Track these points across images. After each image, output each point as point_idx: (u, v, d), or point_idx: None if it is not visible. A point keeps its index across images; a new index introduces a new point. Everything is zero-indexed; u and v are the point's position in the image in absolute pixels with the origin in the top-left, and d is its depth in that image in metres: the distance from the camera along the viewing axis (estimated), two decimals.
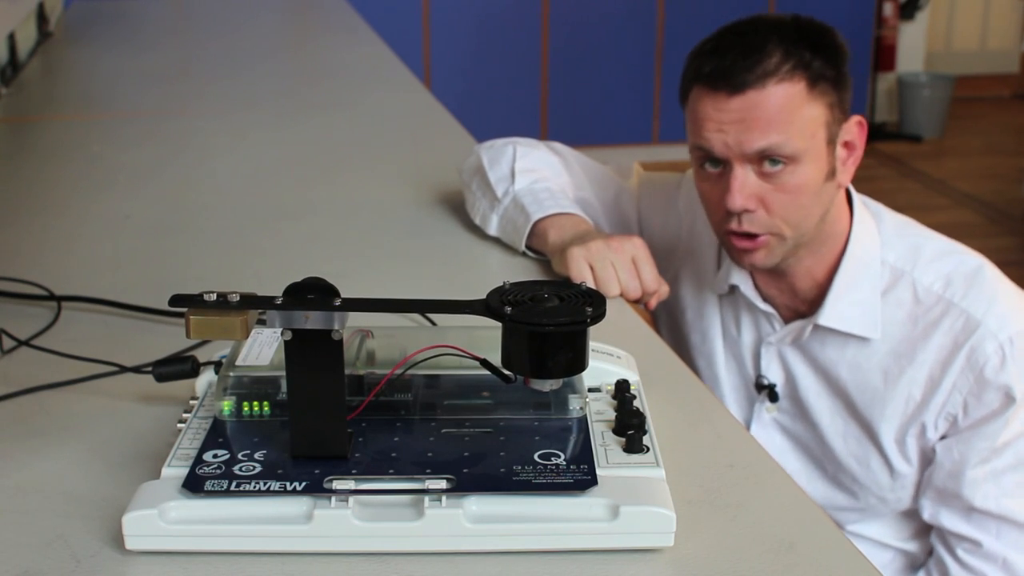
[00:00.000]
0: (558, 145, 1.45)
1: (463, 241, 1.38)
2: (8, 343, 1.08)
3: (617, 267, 1.17)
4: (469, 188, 1.39)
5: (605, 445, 0.80)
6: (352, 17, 3.14)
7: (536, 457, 0.78)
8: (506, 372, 0.80)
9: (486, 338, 0.83)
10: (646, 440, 0.81)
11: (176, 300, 0.77)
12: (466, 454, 0.78)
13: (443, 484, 0.74)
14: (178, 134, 1.96)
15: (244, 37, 2.91)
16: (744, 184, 1.17)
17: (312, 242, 1.41)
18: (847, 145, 1.22)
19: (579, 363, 0.77)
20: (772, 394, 1.33)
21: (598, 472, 0.76)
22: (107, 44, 2.80)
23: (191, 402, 0.87)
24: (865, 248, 1.25)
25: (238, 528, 0.73)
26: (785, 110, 1.16)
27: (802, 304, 1.29)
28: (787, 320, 1.31)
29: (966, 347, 1.20)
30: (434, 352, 0.84)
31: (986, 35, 6.56)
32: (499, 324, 0.77)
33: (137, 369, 1.00)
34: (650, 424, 0.83)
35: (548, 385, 0.78)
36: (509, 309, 0.76)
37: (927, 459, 1.26)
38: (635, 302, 1.19)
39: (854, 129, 1.23)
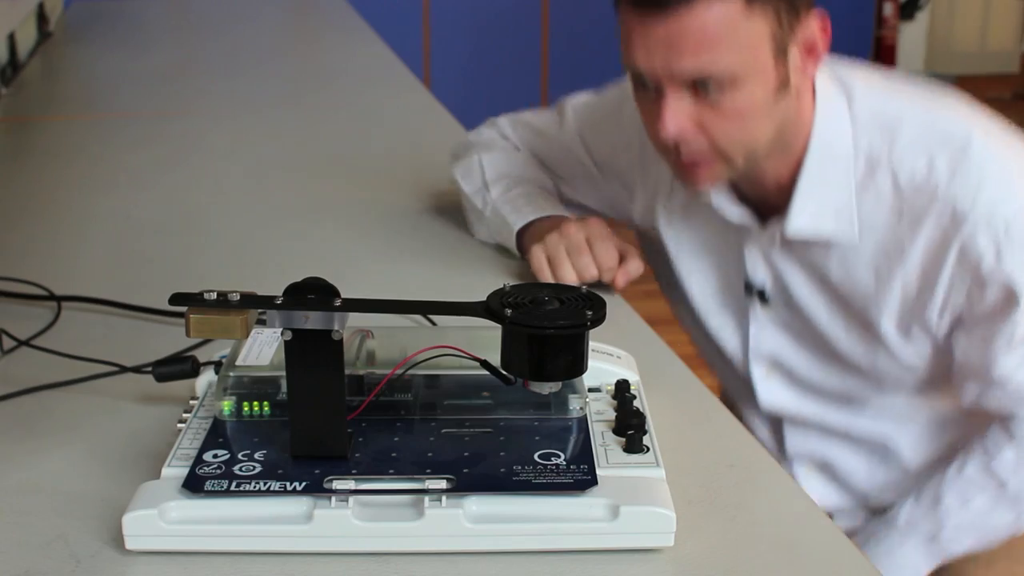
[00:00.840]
0: (506, 127, 1.43)
1: (463, 241, 1.38)
2: (8, 343, 1.08)
3: (571, 252, 1.16)
4: (462, 198, 1.41)
5: (605, 445, 0.80)
6: (352, 17, 3.13)
7: (536, 457, 0.78)
8: (506, 374, 0.80)
9: (486, 338, 0.83)
10: (646, 440, 0.81)
11: (176, 299, 0.77)
12: (466, 454, 0.78)
13: (443, 484, 0.74)
14: (178, 134, 1.96)
15: (244, 37, 2.91)
16: (677, 112, 1.05)
17: (312, 242, 1.41)
18: (808, 48, 1.08)
19: (578, 366, 0.77)
20: (763, 296, 1.24)
21: (598, 472, 0.76)
22: (107, 44, 2.80)
23: (191, 402, 0.87)
24: (832, 140, 1.12)
25: (238, 528, 0.73)
26: (717, 30, 1.02)
27: (778, 201, 1.17)
28: (767, 218, 1.19)
29: (956, 242, 1.09)
30: (435, 353, 0.84)
31: (986, 35, 6.56)
32: (498, 325, 0.77)
33: (137, 369, 1.00)
34: (650, 424, 0.83)
35: (547, 388, 0.78)
36: (509, 311, 0.76)
37: (939, 348, 1.17)
38: (604, 284, 1.18)
39: (813, 28, 1.07)
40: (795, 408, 1.30)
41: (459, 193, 1.40)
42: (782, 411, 1.31)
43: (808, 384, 1.28)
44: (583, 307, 0.77)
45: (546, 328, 0.75)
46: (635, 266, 1.18)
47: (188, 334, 0.76)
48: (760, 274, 1.23)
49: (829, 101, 1.13)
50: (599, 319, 0.76)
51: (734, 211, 1.19)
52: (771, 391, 1.30)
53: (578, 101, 1.39)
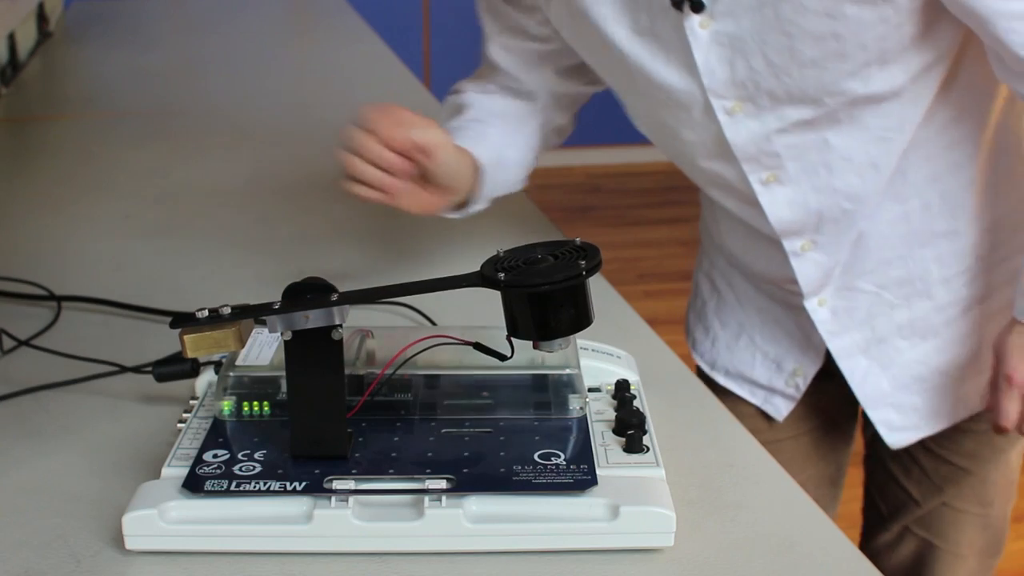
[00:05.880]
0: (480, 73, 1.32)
1: (464, 241, 1.38)
2: (8, 343, 1.08)
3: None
4: None
5: (605, 445, 0.80)
6: (352, 17, 3.13)
7: (536, 457, 0.78)
8: (499, 351, 0.80)
9: (488, 336, 0.83)
10: (646, 440, 0.81)
11: (175, 322, 0.78)
12: (466, 454, 0.78)
13: (443, 484, 0.74)
14: (178, 134, 1.96)
15: (244, 37, 2.91)
16: None
17: (312, 241, 1.41)
18: None
19: (583, 318, 0.76)
20: (695, 3, 1.05)
21: (598, 472, 0.76)
22: (107, 44, 2.80)
23: (191, 402, 0.87)
24: None
25: (238, 528, 0.73)
26: None
27: None
28: None
29: None
30: (426, 344, 0.84)
31: None
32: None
33: (137, 369, 1.00)
34: (650, 424, 0.83)
35: (557, 346, 0.77)
36: (503, 275, 0.75)
37: None
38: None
39: None
40: (771, 143, 1.13)
41: None
42: (758, 150, 1.13)
43: (779, 104, 1.10)
44: (577, 258, 0.76)
45: (542, 284, 0.75)
46: (423, 136, 1.08)
47: (185, 355, 0.77)
48: None
49: None
50: (594, 268, 0.75)
51: None
52: (740, 130, 1.12)
53: None
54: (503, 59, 1.26)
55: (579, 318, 0.76)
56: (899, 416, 1.26)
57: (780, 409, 1.32)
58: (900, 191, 1.16)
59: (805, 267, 1.20)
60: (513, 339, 0.79)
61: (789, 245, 1.19)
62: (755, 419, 1.33)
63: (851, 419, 1.41)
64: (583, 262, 0.75)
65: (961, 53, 1.10)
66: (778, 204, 1.16)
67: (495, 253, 0.78)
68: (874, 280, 1.22)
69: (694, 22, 1.06)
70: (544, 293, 0.75)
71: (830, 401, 1.35)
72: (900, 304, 1.22)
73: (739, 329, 1.35)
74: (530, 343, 0.77)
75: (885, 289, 1.22)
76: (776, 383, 1.31)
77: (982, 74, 1.11)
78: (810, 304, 1.23)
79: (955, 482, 1.31)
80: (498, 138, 1.23)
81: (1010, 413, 1.11)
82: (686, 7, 1.05)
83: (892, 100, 1.09)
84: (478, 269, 0.77)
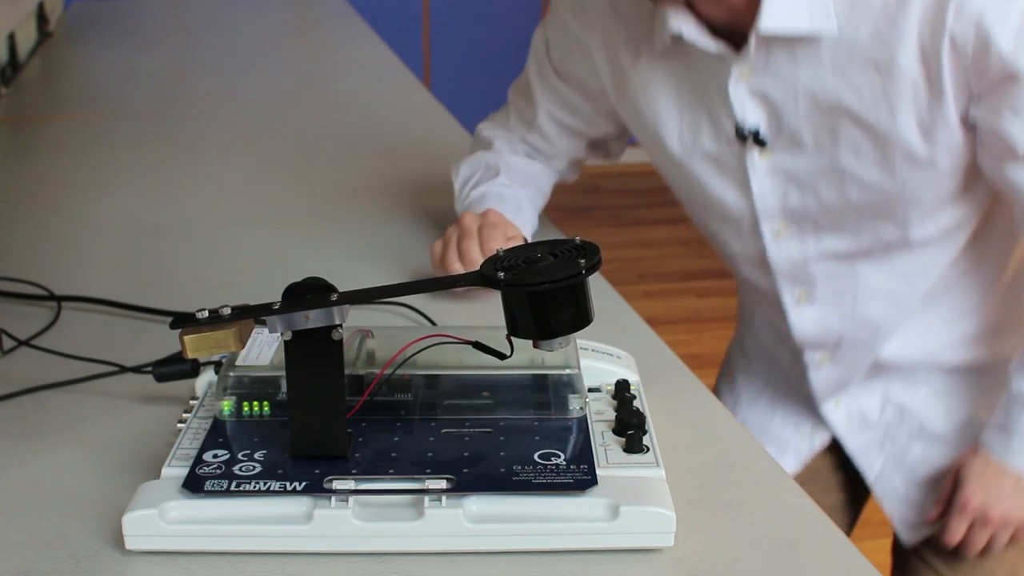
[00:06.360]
0: (485, 132, 1.42)
1: None
2: (8, 343, 1.08)
3: (460, 238, 1.19)
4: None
5: (605, 445, 0.80)
6: (352, 17, 3.13)
7: (536, 457, 0.78)
8: (499, 350, 0.80)
9: (488, 337, 0.83)
10: (646, 440, 0.81)
11: (176, 322, 0.78)
12: (466, 454, 0.78)
13: (443, 484, 0.74)
14: (178, 133, 1.96)
15: (244, 37, 2.91)
16: None
17: (312, 241, 1.41)
18: None
19: (583, 317, 0.76)
20: (758, 139, 1.16)
21: (598, 472, 0.76)
22: (107, 44, 2.80)
23: (191, 402, 0.87)
24: None
25: (238, 528, 0.73)
26: None
27: (747, 19, 1.10)
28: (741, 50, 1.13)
29: (952, 3, 1.02)
30: (426, 343, 0.84)
31: None
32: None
33: (137, 369, 1.00)
34: (650, 424, 0.83)
35: (557, 344, 0.77)
36: (503, 274, 0.75)
37: (957, 138, 1.10)
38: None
39: None
40: (807, 265, 1.23)
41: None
42: (794, 270, 1.24)
43: (827, 228, 1.19)
44: (576, 257, 0.76)
45: (541, 283, 0.75)
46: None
47: (185, 355, 0.77)
48: (750, 114, 1.15)
49: None
50: (594, 266, 0.75)
51: (709, 43, 1.13)
52: (782, 250, 1.22)
53: (538, 33, 1.40)
54: (548, 127, 1.36)
55: (579, 317, 0.76)
56: (913, 514, 1.33)
57: (790, 464, 1.38)
58: (919, 323, 1.26)
59: (820, 377, 1.31)
60: (513, 339, 0.79)
61: (809, 356, 1.30)
62: None
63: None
64: (583, 260, 0.75)
65: (990, 209, 1.20)
66: (804, 320, 1.27)
67: (495, 252, 0.78)
68: (886, 390, 1.32)
69: (755, 154, 1.17)
70: (544, 292, 0.75)
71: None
72: (911, 410, 1.32)
73: (761, 390, 1.44)
74: (530, 343, 0.77)
75: (896, 397, 1.32)
76: (792, 439, 1.39)
77: (1007, 227, 1.21)
78: (826, 406, 1.33)
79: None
80: (528, 203, 1.34)
81: (956, 535, 1.23)
82: (749, 141, 1.17)
83: (924, 247, 1.19)
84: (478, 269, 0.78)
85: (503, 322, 0.77)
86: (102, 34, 2.92)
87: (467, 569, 0.73)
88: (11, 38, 2.39)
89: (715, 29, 1.13)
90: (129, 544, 0.74)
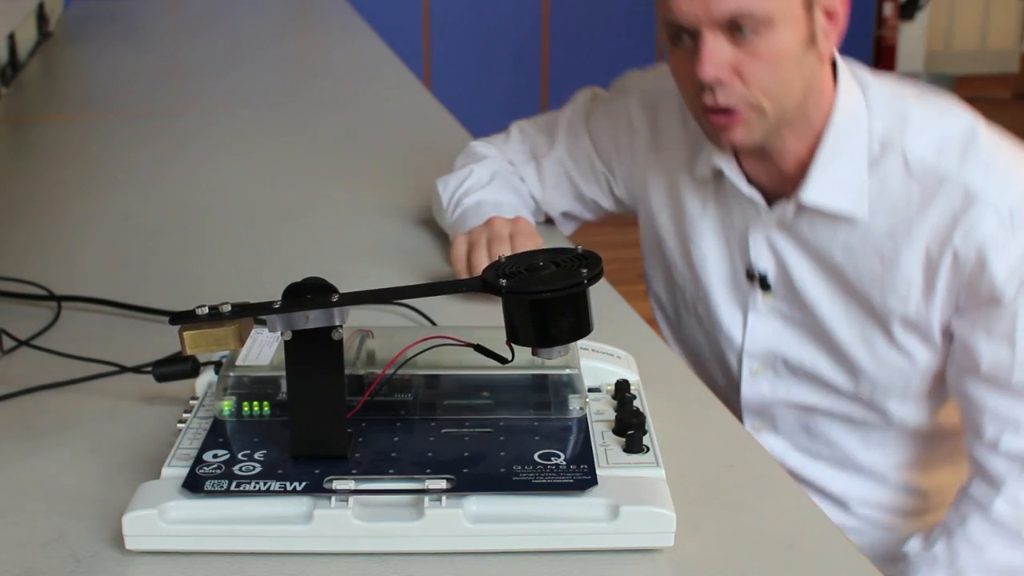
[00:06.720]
0: (515, 136, 1.44)
1: None
2: (8, 343, 1.08)
3: (491, 241, 1.19)
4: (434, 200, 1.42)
5: (605, 445, 0.80)
6: (352, 17, 3.13)
7: (536, 457, 0.78)
8: (500, 354, 0.80)
9: (488, 337, 0.83)
10: (646, 440, 0.81)
11: (174, 319, 0.78)
12: (466, 454, 0.78)
13: (443, 484, 0.74)
14: (178, 134, 1.96)
15: (244, 37, 2.91)
16: (715, 52, 1.10)
17: (312, 241, 1.41)
18: (829, 15, 1.14)
19: (583, 326, 0.76)
20: (764, 283, 1.27)
21: (598, 472, 0.76)
22: (107, 44, 2.80)
23: (191, 402, 0.87)
24: (850, 119, 1.17)
25: (238, 528, 0.73)
26: None
27: (789, 187, 1.21)
28: (773, 204, 1.24)
29: (964, 223, 1.13)
30: (427, 345, 0.84)
31: (986, 35, 6.56)
32: (501, 324, 0.77)
33: (137, 369, 1.00)
34: (650, 424, 0.83)
35: (556, 353, 0.77)
36: (504, 281, 0.75)
37: (936, 340, 1.20)
38: None
39: None
40: (773, 408, 1.33)
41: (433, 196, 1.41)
42: (761, 407, 1.34)
43: (801, 381, 1.29)
44: (578, 266, 0.76)
45: (543, 292, 0.75)
46: None
47: (184, 352, 0.77)
48: (763, 260, 1.26)
49: (847, 84, 1.19)
50: (596, 276, 0.75)
51: (746, 187, 1.23)
52: (754, 388, 1.32)
53: (586, 93, 1.43)
54: (552, 168, 1.41)
55: (579, 327, 0.76)
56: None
57: None
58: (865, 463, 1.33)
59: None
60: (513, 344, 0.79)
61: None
62: None
63: None
64: (585, 270, 0.75)
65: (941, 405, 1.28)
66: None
67: (497, 259, 0.79)
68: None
69: (758, 295, 1.28)
70: (545, 300, 0.75)
71: None
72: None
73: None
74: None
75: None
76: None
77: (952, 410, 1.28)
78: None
79: None
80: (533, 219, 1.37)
81: None
82: (756, 282, 1.27)
83: (883, 427, 1.28)
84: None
85: (503, 323, 0.77)
86: (102, 34, 2.93)
87: (467, 569, 0.73)
88: (11, 38, 2.39)
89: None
90: (129, 544, 0.74)
